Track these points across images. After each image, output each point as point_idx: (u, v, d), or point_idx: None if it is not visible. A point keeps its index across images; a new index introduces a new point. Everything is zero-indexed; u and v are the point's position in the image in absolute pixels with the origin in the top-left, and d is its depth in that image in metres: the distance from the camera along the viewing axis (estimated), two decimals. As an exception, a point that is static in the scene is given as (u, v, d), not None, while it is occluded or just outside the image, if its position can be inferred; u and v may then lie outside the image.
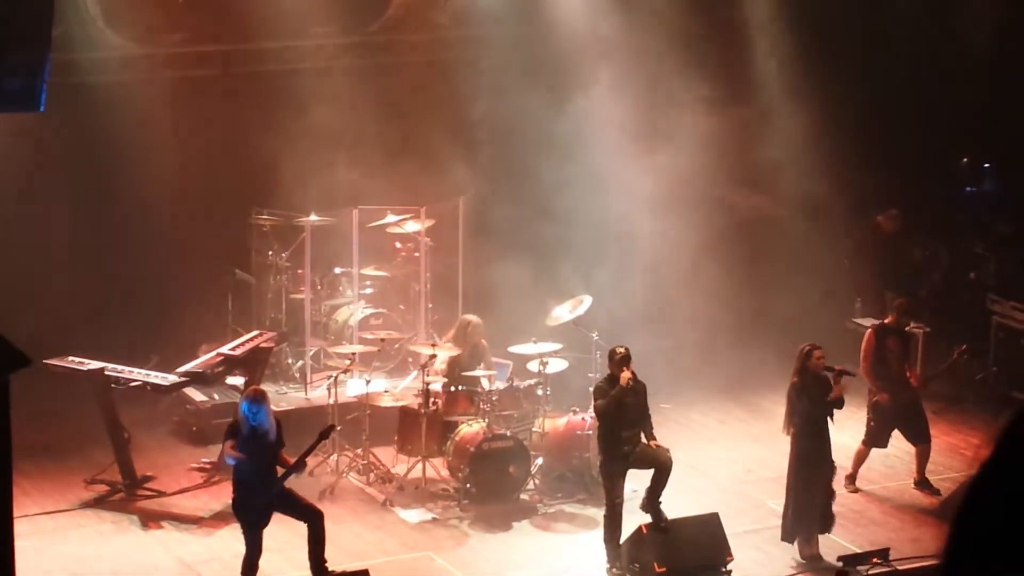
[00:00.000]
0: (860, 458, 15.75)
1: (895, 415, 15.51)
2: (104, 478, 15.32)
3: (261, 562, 13.20)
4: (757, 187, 19.78)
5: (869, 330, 15.89)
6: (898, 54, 19.85)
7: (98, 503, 15.10)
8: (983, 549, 2.81)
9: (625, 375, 13.50)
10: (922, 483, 15.76)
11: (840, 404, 13.90)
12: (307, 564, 13.61)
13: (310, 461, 15.47)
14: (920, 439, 15.67)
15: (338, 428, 15.33)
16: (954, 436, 17.09)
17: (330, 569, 13.17)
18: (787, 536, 13.94)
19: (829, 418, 13.80)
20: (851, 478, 15.71)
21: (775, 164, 19.31)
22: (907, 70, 19.96)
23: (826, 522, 13.96)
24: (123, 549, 14.12)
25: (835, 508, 14.32)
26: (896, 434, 15.83)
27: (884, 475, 16.08)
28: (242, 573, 13.04)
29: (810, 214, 19.36)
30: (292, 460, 12.89)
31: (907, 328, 15.97)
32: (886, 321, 15.96)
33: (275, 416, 13.13)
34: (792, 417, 13.83)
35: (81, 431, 16.22)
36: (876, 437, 15.66)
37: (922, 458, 15.74)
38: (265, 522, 12.89)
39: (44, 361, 14.85)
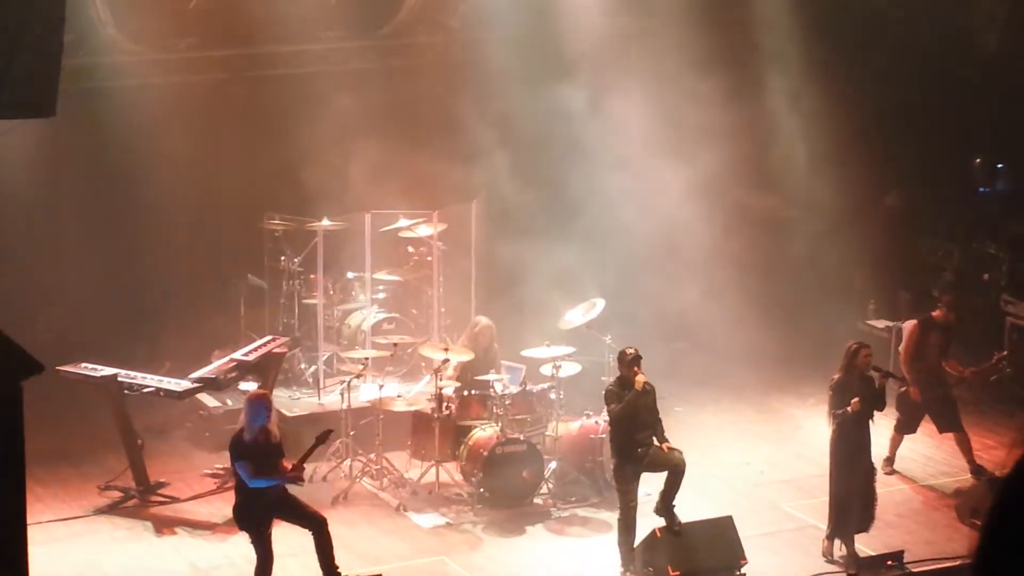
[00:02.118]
0: (894, 444, 15.99)
1: (924, 406, 15.60)
2: (118, 484, 15.31)
3: (275, 568, 13.22)
4: (769, 188, 19.76)
5: (914, 322, 15.90)
6: (911, 54, 19.80)
7: (112, 509, 15.10)
8: (1016, 547, 2.79)
9: (640, 378, 13.47)
10: (978, 470, 15.74)
11: (882, 405, 13.87)
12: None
13: (323, 467, 15.58)
14: (951, 427, 15.73)
15: (343, 432, 15.41)
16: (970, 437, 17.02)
17: (343, 574, 13.13)
18: (832, 534, 13.90)
19: (870, 419, 13.75)
20: (889, 460, 15.92)
21: (786, 165, 19.29)
22: (919, 70, 19.91)
23: (863, 522, 13.90)
24: (137, 555, 14.11)
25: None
26: (910, 438, 15.90)
27: (898, 477, 16.05)
28: None
29: (822, 215, 19.33)
30: (290, 465, 12.72)
31: (952, 323, 15.93)
32: (933, 315, 15.94)
33: (277, 423, 13.05)
34: (832, 413, 13.77)
35: (94, 437, 16.24)
36: (905, 425, 15.82)
37: (962, 446, 15.78)
38: (268, 527, 12.74)
39: (57, 368, 14.87)
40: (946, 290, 17.39)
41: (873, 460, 14.15)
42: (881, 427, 15.98)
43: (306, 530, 13.03)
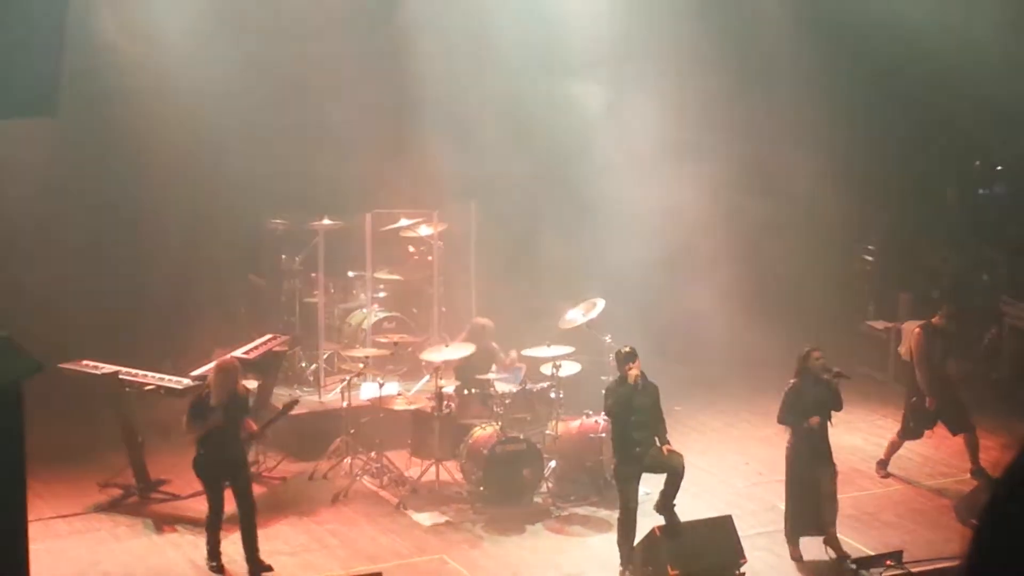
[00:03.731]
0: (893, 448, 16.07)
1: (935, 414, 15.62)
2: (118, 482, 15.34)
3: (273, 563, 13.33)
4: (769, 192, 19.76)
5: (918, 329, 15.89)
6: (911, 56, 19.81)
7: (112, 507, 15.12)
8: (1007, 552, 2.81)
9: (633, 372, 13.47)
10: (978, 472, 15.75)
11: (839, 406, 13.86)
12: (321, 568, 13.65)
13: (323, 465, 15.65)
14: (961, 428, 15.76)
15: (344, 430, 15.50)
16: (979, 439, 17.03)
17: (266, 563, 13.49)
18: (792, 537, 13.92)
19: (828, 421, 13.75)
20: (883, 463, 16.04)
21: (788, 169, 19.29)
22: (920, 72, 19.92)
23: (823, 524, 13.87)
24: (137, 552, 14.12)
25: (849, 510, 14.31)
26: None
27: (897, 477, 16.08)
28: (207, 530, 13.59)
29: (823, 218, 19.34)
30: (254, 427, 13.52)
31: (950, 332, 15.95)
32: (932, 321, 15.95)
33: (244, 385, 13.64)
34: (786, 417, 13.78)
35: (95, 435, 16.25)
36: (911, 432, 15.84)
37: (971, 446, 15.80)
38: (225, 483, 13.39)
39: (59, 365, 14.90)
40: (947, 298, 17.41)
41: (834, 461, 14.08)
42: (871, 427, 16.03)
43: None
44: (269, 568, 13.54)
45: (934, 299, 18.94)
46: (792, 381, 13.80)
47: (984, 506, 2.87)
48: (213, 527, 13.54)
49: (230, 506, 13.56)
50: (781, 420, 13.85)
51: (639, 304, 17.33)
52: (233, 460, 13.38)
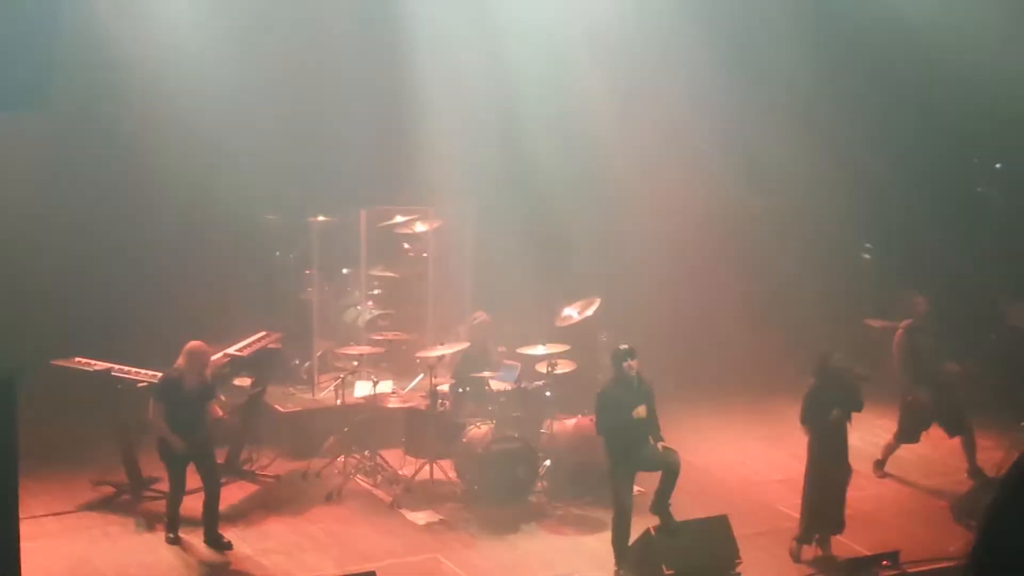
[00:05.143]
0: (889, 449, 16.03)
1: (930, 413, 15.57)
2: (110, 479, 15.28)
3: (266, 562, 13.23)
4: (769, 190, 19.74)
5: (900, 329, 15.85)
6: (911, 53, 19.77)
7: (104, 504, 15.06)
8: (1010, 552, 2.77)
9: (631, 369, 13.42)
10: (974, 472, 15.72)
11: (859, 406, 13.83)
12: (315, 567, 13.59)
13: (317, 463, 15.63)
14: (958, 430, 15.73)
15: (337, 429, 15.45)
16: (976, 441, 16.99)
17: (227, 540, 13.80)
18: (803, 538, 13.86)
19: (847, 421, 13.72)
20: (880, 464, 16.05)
21: (788, 166, 19.26)
22: (919, 69, 19.89)
23: (837, 524, 13.87)
24: (129, 550, 14.06)
25: (846, 510, 14.27)
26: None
27: (894, 477, 16.04)
28: (167, 506, 13.92)
29: (822, 216, 19.32)
30: (220, 412, 14.10)
31: (938, 332, 15.92)
32: (912, 319, 15.89)
33: (210, 370, 14.09)
34: (808, 418, 13.73)
35: (87, 432, 16.19)
36: (907, 434, 15.79)
37: (968, 449, 15.78)
38: (187, 463, 13.71)
39: (51, 362, 14.84)
40: (920, 292, 17.42)
41: (850, 463, 14.05)
42: (869, 427, 16.00)
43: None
44: (229, 545, 13.78)
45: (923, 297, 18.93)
46: (811, 382, 13.75)
47: (987, 506, 2.84)
48: (173, 504, 13.87)
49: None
50: (804, 421, 13.77)
51: (637, 302, 17.30)
52: (199, 443, 13.72)
